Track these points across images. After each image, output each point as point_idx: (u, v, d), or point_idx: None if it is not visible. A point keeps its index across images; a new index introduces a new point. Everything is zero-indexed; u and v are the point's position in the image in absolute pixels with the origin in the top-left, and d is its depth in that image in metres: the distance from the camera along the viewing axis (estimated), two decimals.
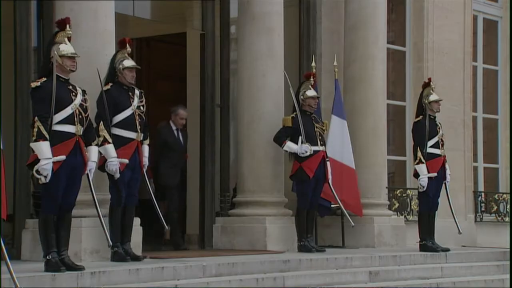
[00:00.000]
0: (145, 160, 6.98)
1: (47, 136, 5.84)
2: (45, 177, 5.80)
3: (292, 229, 8.26)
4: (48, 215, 5.95)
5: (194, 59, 9.50)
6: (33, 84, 5.99)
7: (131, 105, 6.84)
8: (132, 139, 6.82)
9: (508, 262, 8.67)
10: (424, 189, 8.56)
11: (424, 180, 8.53)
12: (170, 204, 8.75)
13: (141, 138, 6.91)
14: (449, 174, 8.82)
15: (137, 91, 6.96)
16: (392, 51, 10.63)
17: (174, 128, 8.86)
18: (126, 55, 6.93)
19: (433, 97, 8.79)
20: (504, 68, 12.01)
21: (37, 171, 5.78)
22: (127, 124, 6.79)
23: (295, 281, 6.94)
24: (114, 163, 6.62)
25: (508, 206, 11.68)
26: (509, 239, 9.41)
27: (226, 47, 9.18)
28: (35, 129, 5.83)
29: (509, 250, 8.83)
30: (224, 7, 9.17)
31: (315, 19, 9.69)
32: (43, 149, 5.82)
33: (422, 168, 8.54)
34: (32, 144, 5.88)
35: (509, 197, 11.72)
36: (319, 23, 9.69)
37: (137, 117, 6.85)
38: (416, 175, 8.66)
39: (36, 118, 5.86)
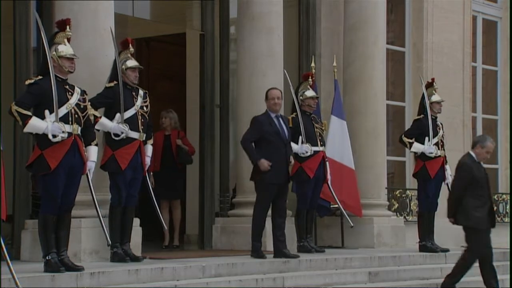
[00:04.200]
0: (148, 160, 6.98)
1: (30, 113, 5.81)
2: (63, 133, 5.80)
3: (291, 229, 8.25)
4: (47, 215, 5.95)
5: (194, 59, 9.50)
6: (28, 81, 6.00)
7: (134, 104, 6.84)
8: (135, 139, 6.82)
9: (508, 263, 8.67)
10: (433, 152, 8.50)
11: (426, 148, 8.48)
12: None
13: (144, 138, 6.92)
14: (451, 175, 8.81)
15: (141, 92, 6.97)
16: (391, 51, 10.62)
17: (273, 115, 7.51)
18: (129, 55, 6.93)
19: (435, 97, 8.82)
20: (504, 68, 12.01)
21: (53, 135, 5.78)
22: (130, 123, 6.79)
23: (295, 281, 6.94)
24: (120, 127, 6.63)
25: (508, 207, 11.69)
26: (509, 239, 9.41)
27: (226, 47, 9.18)
28: (15, 114, 5.80)
29: (509, 250, 8.83)
30: (223, 7, 9.17)
31: (315, 19, 9.69)
32: (36, 125, 5.82)
33: (417, 146, 8.54)
34: (25, 130, 5.86)
35: (508, 198, 11.73)
36: (319, 24, 9.69)
37: (140, 117, 6.85)
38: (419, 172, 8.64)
39: (13, 103, 5.84)
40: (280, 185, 7.38)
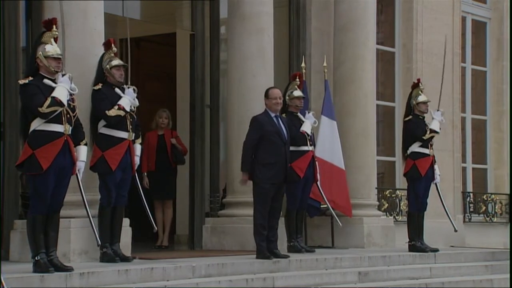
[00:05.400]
0: (137, 159, 6.97)
1: (45, 98, 5.81)
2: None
3: (281, 229, 8.26)
4: (36, 216, 5.93)
5: (184, 60, 9.50)
6: (22, 81, 5.96)
7: None
8: (124, 139, 6.81)
9: (497, 262, 8.73)
10: (441, 117, 8.71)
11: (436, 117, 8.65)
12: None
13: (133, 138, 6.91)
14: (439, 175, 8.85)
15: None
16: (381, 52, 10.65)
17: (272, 115, 7.39)
18: (113, 55, 6.92)
19: (421, 98, 8.85)
20: (493, 69, 12.07)
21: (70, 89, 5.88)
22: (118, 123, 6.77)
23: (285, 281, 6.94)
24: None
25: (497, 207, 11.75)
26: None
27: (216, 47, 9.18)
28: (49, 111, 5.77)
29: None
30: (214, 8, 9.17)
31: (305, 19, 9.70)
32: (61, 92, 5.84)
33: (433, 125, 8.62)
34: (65, 103, 5.82)
35: (497, 198, 11.79)
36: (309, 24, 9.70)
37: (128, 116, 6.84)
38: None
39: (38, 109, 5.78)
40: (278, 185, 7.33)
